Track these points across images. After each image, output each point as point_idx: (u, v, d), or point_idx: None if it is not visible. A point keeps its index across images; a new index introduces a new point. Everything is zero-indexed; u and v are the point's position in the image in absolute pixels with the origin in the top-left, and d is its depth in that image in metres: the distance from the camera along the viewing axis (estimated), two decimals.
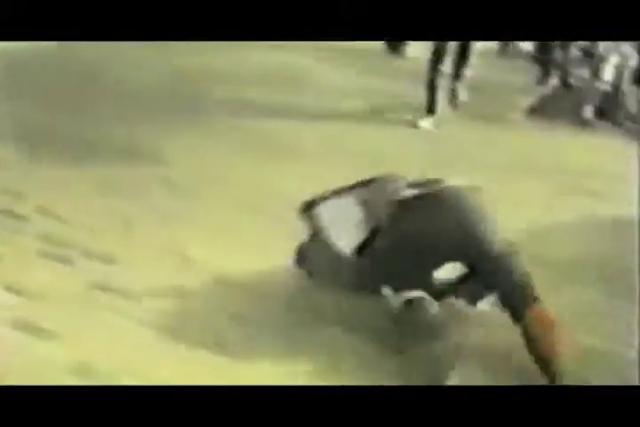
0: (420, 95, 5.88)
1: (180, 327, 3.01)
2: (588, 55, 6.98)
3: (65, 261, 3.40)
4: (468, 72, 6.07)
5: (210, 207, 4.07)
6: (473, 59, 6.06)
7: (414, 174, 3.38)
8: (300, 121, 5.68)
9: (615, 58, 6.70)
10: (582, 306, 3.38)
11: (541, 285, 3.56)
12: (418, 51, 6.38)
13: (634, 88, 6.78)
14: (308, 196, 3.36)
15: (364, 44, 6.21)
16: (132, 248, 3.56)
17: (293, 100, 6.17)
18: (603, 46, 6.80)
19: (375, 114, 5.99)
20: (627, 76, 6.76)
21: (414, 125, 5.80)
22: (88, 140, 4.77)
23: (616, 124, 6.53)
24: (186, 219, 3.91)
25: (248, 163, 4.73)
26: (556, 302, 3.02)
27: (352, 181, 3.32)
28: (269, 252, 3.57)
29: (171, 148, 4.78)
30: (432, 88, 5.91)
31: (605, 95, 6.56)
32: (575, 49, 7.14)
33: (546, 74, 7.61)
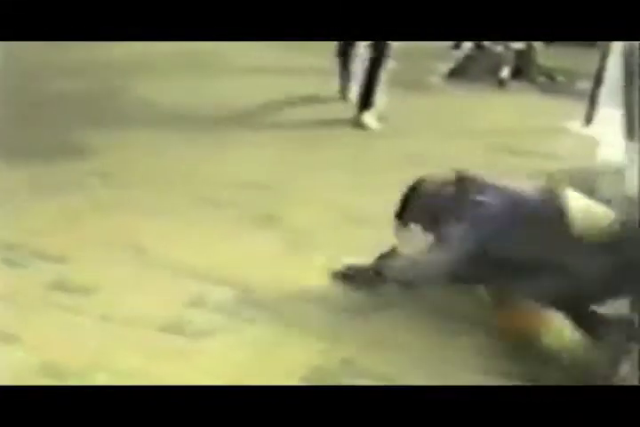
0: None
1: (142, 318, 3.03)
2: None
3: (16, 264, 3.37)
4: (388, 62, 5.43)
5: (152, 197, 4.08)
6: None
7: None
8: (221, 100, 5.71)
9: None
10: None
11: None
12: None
13: (544, 45, 6.98)
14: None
15: None
16: (82, 244, 3.55)
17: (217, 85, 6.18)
18: None
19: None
20: None
21: (358, 124, 5.40)
22: (19, 141, 4.71)
23: (531, 81, 6.71)
24: (132, 210, 3.90)
25: (177, 150, 4.76)
26: None
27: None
28: (221, 242, 3.64)
29: (100, 142, 4.76)
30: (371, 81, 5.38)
31: (519, 54, 6.73)
32: None
33: None
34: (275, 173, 4.52)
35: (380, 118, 5.33)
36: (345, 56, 5.71)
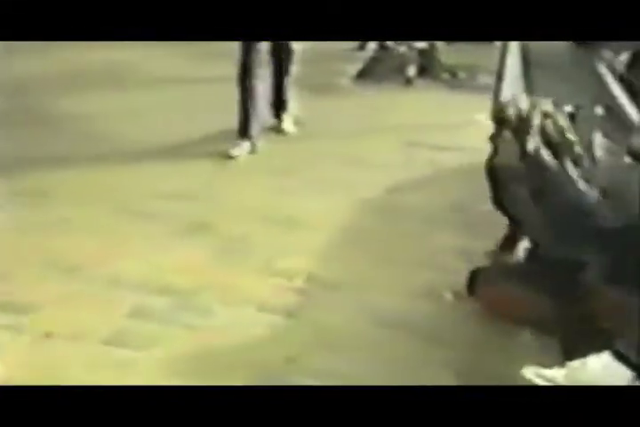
0: None
1: (85, 333, 3.06)
2: None
3: None
4: (294, 67, 5.35)
5: (82, 213, 4.10)
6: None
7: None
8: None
9: None
10: (453, 248, 3.70)
11: (412, 233, 3.90)
12: None
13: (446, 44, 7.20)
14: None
15: None
16: (17, 264, 3.54)
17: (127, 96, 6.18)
18: None
19: None
20: None
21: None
22: None
23: (435, 78, 6.92)
24: (62, 228, 3.91)
25: (102, 165, 4.77)
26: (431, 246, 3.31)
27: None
28: (155, 253, 3.70)
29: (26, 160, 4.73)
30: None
31: (422, 53, 6.93)
32: None
33: None
34: (200, 182, 4.58)
35: (296, 123, 5.40)
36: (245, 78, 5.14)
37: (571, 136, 3.10)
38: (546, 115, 3.04)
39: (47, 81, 6.45)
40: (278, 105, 5.43)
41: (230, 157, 4.90)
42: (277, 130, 5.39)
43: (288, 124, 5.43)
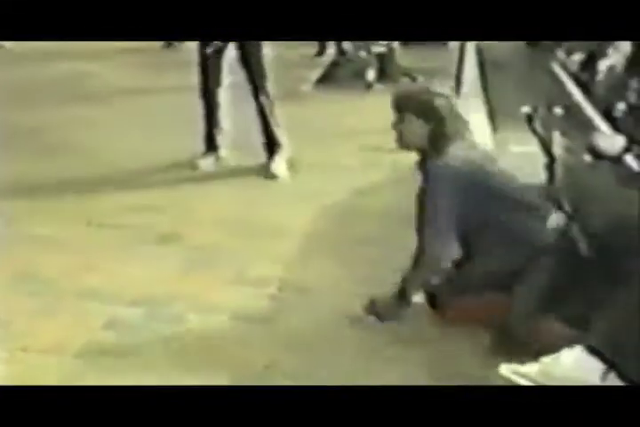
0: None
1: (59, 346, 3.07)
2: None
3: None
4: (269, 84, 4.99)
5: (51, 228, 4.10)
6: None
7: None
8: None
9: None
10: None
11: (376, 236, 3.95)
12: None
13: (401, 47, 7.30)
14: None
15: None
16: None
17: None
18: None
19: None
20: None
21: (193, 166, 4.96)
22: None
23: (394, 82, 7.00)
24: (33, 244, 3.92)
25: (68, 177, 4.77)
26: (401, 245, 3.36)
27: None
28: (125, 264, 3.72)
29: None
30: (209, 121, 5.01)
31: (381, 57, 7.02)
32: None
33: (322, 45, 8.00)
34: (167, 194, 4.59)
35: (290, 165, 5.05)
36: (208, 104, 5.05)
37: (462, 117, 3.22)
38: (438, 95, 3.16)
39: (4, 93, 6.43)
40: (268, 143, 5.00)
41: (196, 168, 4.91)
42: (266, 172, 4.87)
43: (279, 166, 4.93)
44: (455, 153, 3.11)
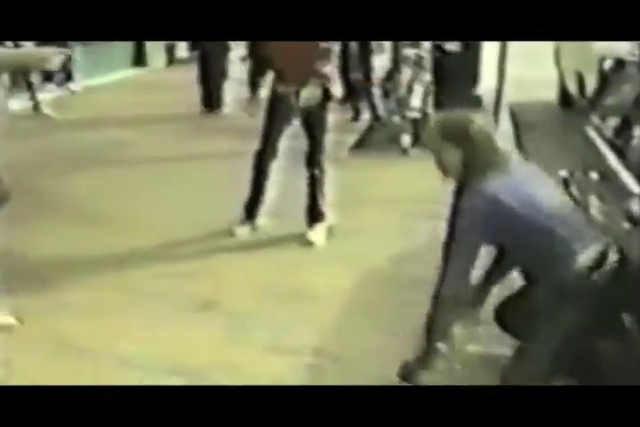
0: None
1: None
2: (386, 93, 7.52)
3: None
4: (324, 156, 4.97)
5: (86, 295, 4.15)
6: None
7: None
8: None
9: (419, 87, 7.25)
10: None
11: (416, 303, 3.93)
12: None
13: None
14: None
15: None
16: (27, 347, 3.57)
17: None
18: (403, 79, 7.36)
19: None
20: (430, 101, 7.35)
21: (230, 234, 4.95)
22: None
23: None
24: (71, 312, 3.95)
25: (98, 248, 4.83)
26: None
27: None
28: (163, 331, 3.74)
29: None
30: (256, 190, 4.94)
31: (415, 122, 7.08)
32: (377, 88, 7.66)
33: (357, 110, 8.12)
34: (203, 260, 4.63)
35: (330, 234, 5.02)
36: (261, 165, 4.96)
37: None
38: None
39: (41, 162, 6.58)
40: (312, 212, 4.97)
41: (233, 236, 4.94)
42: (302, 239, 4.85)
43: (318, 234, 4.92)
44: (493, 183, 3.02)
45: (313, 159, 4.92)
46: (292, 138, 5.01)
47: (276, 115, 4.86)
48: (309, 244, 4.84)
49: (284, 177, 5.09)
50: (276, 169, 4.97)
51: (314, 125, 4.87)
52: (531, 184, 3.13)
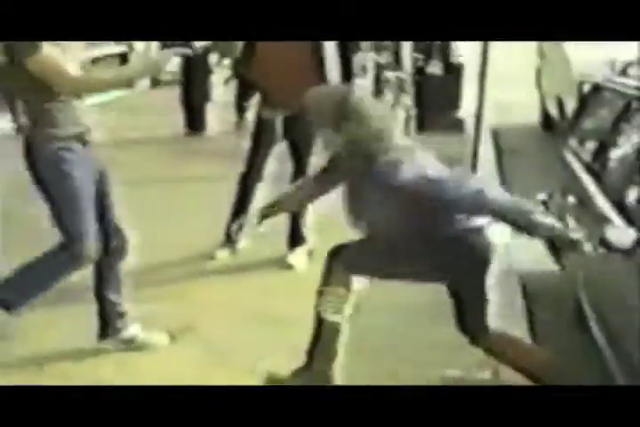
0: None
1: None
2: None
3: None
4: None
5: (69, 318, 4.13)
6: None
7: None
8: None
9: (401, 110, 7.30)
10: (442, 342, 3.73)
11: (396, 328, 3.92)
12: None
13: None
14: None
15: None
16: None
17: None
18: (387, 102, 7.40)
19: None
20: (411, 124, 7.39)
21: (211, 257, 4.96)
22: None
23: None
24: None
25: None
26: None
27: None
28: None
29: None
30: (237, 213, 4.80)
31: None
32: None
33: None
34: (179, 286, 4.60)
35: (310, 258, 4.99)
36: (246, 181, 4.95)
37: None
38: None
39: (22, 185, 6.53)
40: (293, 235, 4.97)
41: (213, 259, 4.94)
42: (283, 263, 4.86)
43: (298, 257, 4.92)
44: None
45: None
46: (278, 160, 5.02)
47: (262, 138, 4.88)
48: (290, 267, 4.84)
49: (268, 199, 5.09)
50: (260, 191, 4.96)
51: (300, 148, 4.87)
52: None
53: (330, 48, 4.67)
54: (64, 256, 3.51)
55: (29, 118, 3.46)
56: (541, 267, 4.70)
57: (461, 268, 3.17)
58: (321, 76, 4.66)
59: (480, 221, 3.15)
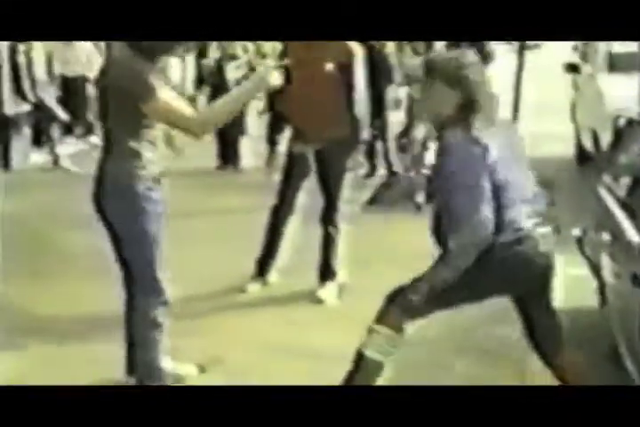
0: None
1: None
2: (403, 148, 7.58)
3: None
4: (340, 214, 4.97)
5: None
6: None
7: None
8: None
9: (434, 144, 7.29)
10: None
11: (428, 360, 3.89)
12: None
13: None
14: None
15: None
16: None
17: None
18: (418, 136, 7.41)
19: None
20: None
21: (241, 291, 4.95)
22: None
23: None
24: None
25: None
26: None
27: None
28: None
29: None
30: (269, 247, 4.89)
31: (430, 179, 7.10)
32: (392, 141, 7.73)
33: (373, 166, 8.17)
34: (209, 319, 4.60)
35: (341, 293, 5.02)
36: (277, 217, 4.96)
37: None
38: None
39: (56, 216, 6.63)
40: (324, 269, 4.91)
41: (244, 292, 4.93)
42: (313, 297, 4.81)
43: (329, 292, 4.86)
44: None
45: (328, 216, 4.92)
46: (309, 193, 5.04)
47: (294, 171, 4.91)
48: (320, 302, 4.81)
49: (299, 233, 5.10)
50: (291, 224, 4.97)
51: (330, 182, 4.89)
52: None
53: (360, 84, 4.69)
54: (153, 300, 3.58)
55: (114, 155, 3.41)
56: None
57: (520, 276, 3.15)
58: (351, 112, 4.70)
59: (527, 225, 3.15)
